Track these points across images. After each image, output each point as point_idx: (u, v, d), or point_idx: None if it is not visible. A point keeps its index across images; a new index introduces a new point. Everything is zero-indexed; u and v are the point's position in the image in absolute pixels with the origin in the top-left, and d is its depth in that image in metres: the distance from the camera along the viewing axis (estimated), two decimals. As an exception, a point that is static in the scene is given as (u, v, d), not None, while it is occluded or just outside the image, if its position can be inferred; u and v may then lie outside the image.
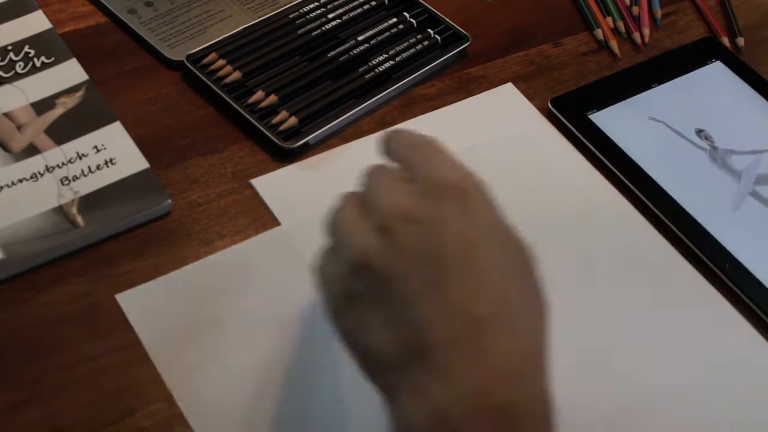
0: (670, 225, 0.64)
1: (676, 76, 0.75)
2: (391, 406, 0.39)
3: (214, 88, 0.67)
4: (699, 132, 0.71)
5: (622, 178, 0.67)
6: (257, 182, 0.63)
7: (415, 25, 0.75)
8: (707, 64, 0.77)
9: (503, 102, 0.72)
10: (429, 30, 0.74)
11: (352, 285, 0.40)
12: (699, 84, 0.75)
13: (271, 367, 0.54)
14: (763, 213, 0.67)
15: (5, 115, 0.63)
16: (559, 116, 0.71)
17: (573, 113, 0.71)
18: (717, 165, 0.69)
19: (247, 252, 0.59)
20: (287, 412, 0.52)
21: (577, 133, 0.69)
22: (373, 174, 0.43)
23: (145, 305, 0.55)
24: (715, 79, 0.76)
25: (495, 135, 0.69)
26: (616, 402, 0.55)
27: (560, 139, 0.69)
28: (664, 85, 0.74)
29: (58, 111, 0.64)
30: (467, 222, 0.40)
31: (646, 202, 0.66)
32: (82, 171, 0.61)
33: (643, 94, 0.73)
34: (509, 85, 0.72)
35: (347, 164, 0.64)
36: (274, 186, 0.63)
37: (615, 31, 0.80)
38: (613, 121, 0.71)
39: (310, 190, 0.63)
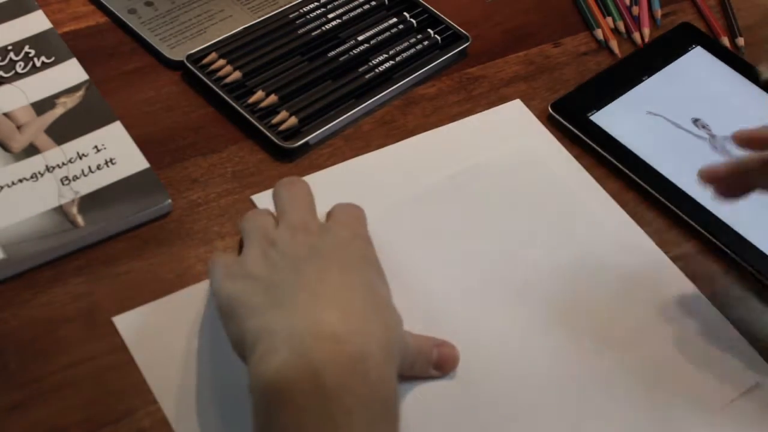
0: (685, 217, 0.65)
1: (663, 66, 0.76)
2: (251, 362, 0.46)
3: (214, 88, 0.67)
4: (695, 121, 0.72)
5: (631, 174, 0.68)
6: (258, 198, 0.62)
7: (415, 25, 0.75)
8: (689, 50, 0.78)
9: (511, 118, 0.71)
10: (429, 30, 0.74)
11: (246, 261, 0.52)
12: (685, 72, 0.76)
13: None
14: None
15: (5, 115, 0.63)
16: (562, 120, 0.71)
17: (574, 116, 0.71)
18: (719, 152, 0.70)
19: None
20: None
21: (581, 135, 0.70)
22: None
23: (143, 328, 0.55)
24: (698, 65, 0.77)
25: (502, 151, 0.68)
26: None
27: (569, 157, 0.69)
28: (654, 76, 0.75)
29: (58, 111, 0.64)
30: (347, 244, 0.52)
31: (658, 196, 0.66)
32: (83, 171, 0.61)
33: (636, 88, 0.74)
34: (517, 101, 0.72)
35: (344, 181, 0.64)
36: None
37: (615, 31, 0.80)
38: (614, 119, 0.71)
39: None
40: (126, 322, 0.55)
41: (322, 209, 0.62)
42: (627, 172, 0.68)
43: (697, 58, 0.78)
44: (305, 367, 0.44)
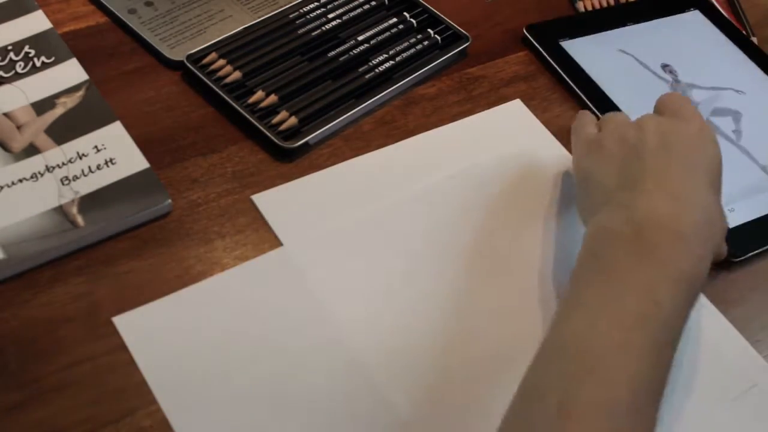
0: None
1: (653, 19, 0.79)
2: (593, 219, 0.56)
3: (214, 88, 0.67)
4: (664, 66, 0.75)
5: (584, 98, 0.71)
6: (258, 198, 0.62)
7: (415, 25, 0.75)
8: (686, 11, 0.81)
9: (511, 118, 0.71)
10: (429, 30, 0.74)
11: (604, 140, 0.59)
12: (673, 27, 0.79)
13: (272, 389, 0.53)
14: None
15: (5, 115, 0.63)
16: (532, 41, 0.74)
17: (546, 39, 0.74)
18: None
19: (247, 273, 0.58)
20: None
21: (547, 57, 0.73)
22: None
23: (143, 329, 0.55)
24: (690, 24, 0.80)
25: (501, 152, 0.68)
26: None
27: (568, 157, 0.69)
28: (639, 24, 0.79)
29: (58, 111, 0.64)
30: (695, 142, 0.57)
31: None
32: (83, 171, 0.61)
33: (617, 30, 0.77)
34: (517, 101, 0.72)
35: (344, 181, 0.64)
36: (276, 203, 0.62)
37: (615, 30, 0.80)
38: (584, 49, 0.75)
39: (311, 209, 0.62)
40: (126, 322, 0.55)
41: (322, 210, 0.62)
42: (581, 94, 0.72)
43: (692, 19, 0.80)
44: (634, 225, 0.52)
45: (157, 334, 0.55)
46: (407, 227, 0.62)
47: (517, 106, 0.72)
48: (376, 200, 0.63)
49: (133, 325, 0.55)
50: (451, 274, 0.60)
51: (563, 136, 0.70)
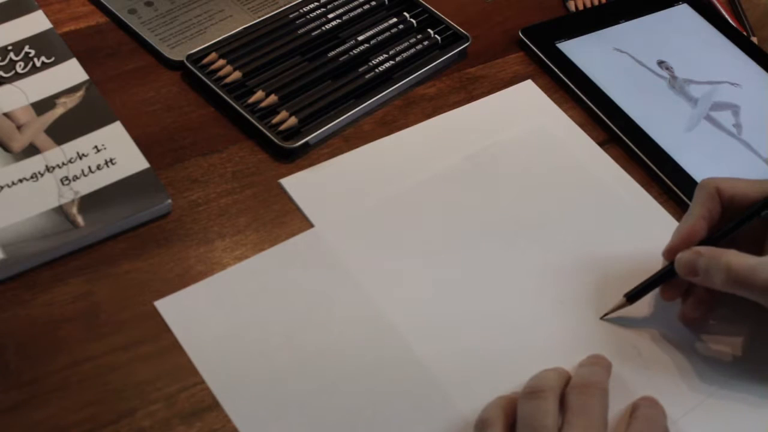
0: (627, 141, 0.69)
1: (644, 15, 0.80)
2: None
3: (214, 88, 0.67)
4: (660, 63, 0.76)
5: (584, 98, 0.72)
6: (286, 182, 0.63)
7: (415, 25, 0.75)
8: (674, 5, 0.82)
9: (523, 98, 0.73)
10: (429, 30, 0.74)
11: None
12: (665, 22, 0.80)
13: (312, 366, 0.55)
14: (715, 134, 0.72)
15: (5, 115, 0.63)
16: (529, 44, 0.75)
17: (542, 42, 0.75)
18: (675, 91, 0.74)
19: (282, 254, 0.59)
20: (329, 411, 0.53)
21: (544, 59, 0.74)
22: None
23: (185, 311, 0.56)
24: (680, 18, 0.81)
25: (517, 130, 0.70)
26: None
27: (581, 133, 0.70)
28: (631, 21, 0.79)
29: (58, 111, 0.64)
30: None
31: (606, 120, 0.70)
32: (83, 171, 0.61)
33: (610, 28, 0.78)
34: (529, 82, 0.73)
35: (364, 164, 0.66)
36: (303, 186, 0.63)
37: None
38: (580, 50, 0.75)
39: (337, 191, 0.64)
40: (167, 306, 0.56)
41: (348, 192, 0.63)
42: (580, 94, 0.72)
43: (681, 12, 0.81)
44: None
45: (199, 316, 0.56)
46: (434, 204, 0.64)
47: (528, 86, 0.73)
48: (398, 181, 0.65)
49: (175, 308, 0.56)
50: (479, 247, 0.62)
51: (563, 136, 0.70)
